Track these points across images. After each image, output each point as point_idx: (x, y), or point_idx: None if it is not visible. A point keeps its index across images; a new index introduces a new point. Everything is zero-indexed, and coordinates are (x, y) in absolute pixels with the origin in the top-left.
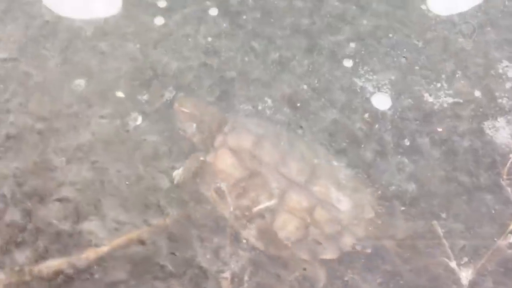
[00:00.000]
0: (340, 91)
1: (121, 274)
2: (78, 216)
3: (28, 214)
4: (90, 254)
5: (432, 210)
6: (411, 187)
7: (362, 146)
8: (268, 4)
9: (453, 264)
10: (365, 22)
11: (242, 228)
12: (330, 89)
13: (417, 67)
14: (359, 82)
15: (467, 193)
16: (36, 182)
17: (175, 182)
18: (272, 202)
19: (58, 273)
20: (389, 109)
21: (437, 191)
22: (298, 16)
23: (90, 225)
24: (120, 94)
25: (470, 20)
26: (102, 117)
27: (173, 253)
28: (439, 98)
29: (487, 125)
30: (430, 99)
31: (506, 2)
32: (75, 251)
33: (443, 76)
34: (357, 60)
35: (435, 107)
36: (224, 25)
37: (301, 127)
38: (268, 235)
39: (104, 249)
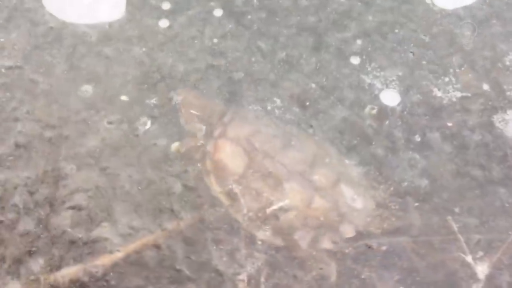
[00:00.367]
0: (348, 89)
1: (137, 280)
2: (92, 223)
3: (41, 223)
4: (105, 261)
5: (446, 205)
6: (424, 182)
7: (373, 143)
8: (273, 4)
9: (469, 258)
10: (370, 18)
11: (256, 230)
12: (339, 87)
13: (424, 62)
14: (367, 79)
15: (480, 187)
16: (48, 191)
17: (172, 150)
18: (286, 202)
19: (74, 281)
20: (398, 105)
21: (450, 186)
22: (303, 15)
23: (104, 232)
24: (128, 98)
25: (469, 20)
26: (111, 122)
27: (188, 257)
28: (447, 92)
29: (496, 118)
30: (439, 94)
31: None
32: (90, 259)
33: (451, 70)
34: (364, 57)
35: (444, 101)
36: (230, 25)
37: (311, 126)
38: (283, 235)
39: (119, 255)
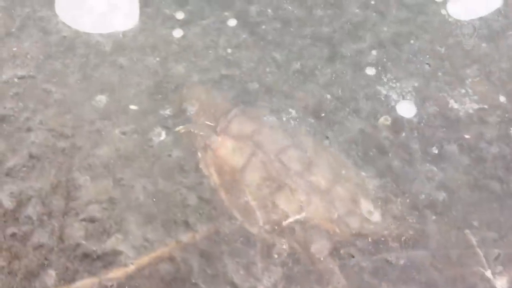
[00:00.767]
0: (364, 100)
1: None
2: (106, 235)
3: (55, 235)
4: (119, 274)
5: (464, 219)
6: (442, 195)
7: (389, 155)
8: (287, 14)
9: (488, 273)
10: (385, 29)
11: (272, 243)
12: (354, 98)
13: (440, 73)
14: (383, 90)
15: (499, 200)
16: (62, 202)
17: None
18: (302, 215)
19: None
20: (415, 116)
21: (468, 199)
22: (318, 25)
23: (118, 244)
24: (142, 109)
25: (473, 25)
26: (125, 133)
27: (204, 270)
28: (464, 104)
29: None
30: (455, 106)
31: None
32: (104, 271)
33: (467, 82)
34: (379, 68)
35: (461, 113)
36: (244, 36)
37: (327, 137)
38: (299, 248)
39: (133, 267)
